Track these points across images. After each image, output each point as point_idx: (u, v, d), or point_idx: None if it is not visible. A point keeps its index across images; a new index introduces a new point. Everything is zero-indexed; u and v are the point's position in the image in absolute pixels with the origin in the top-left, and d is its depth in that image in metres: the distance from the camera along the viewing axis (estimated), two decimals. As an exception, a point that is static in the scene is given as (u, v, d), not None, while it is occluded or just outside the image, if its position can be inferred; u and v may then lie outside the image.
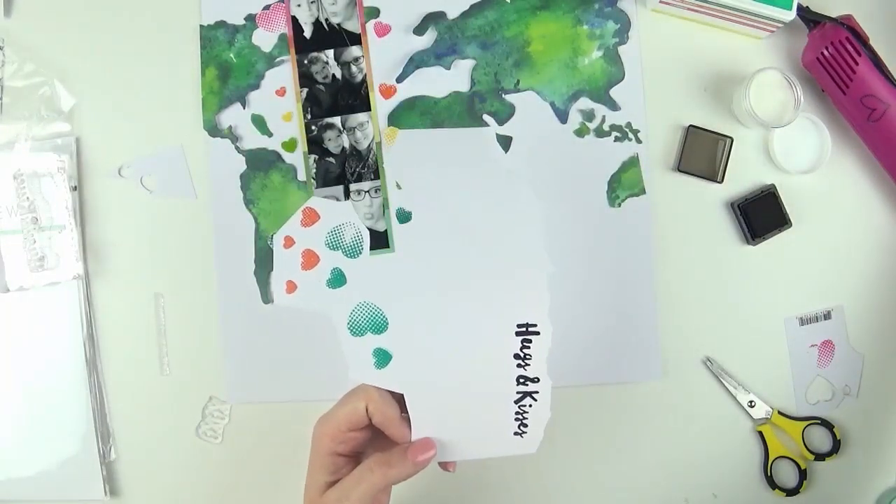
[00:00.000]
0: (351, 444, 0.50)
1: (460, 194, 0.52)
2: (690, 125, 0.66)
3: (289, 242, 0.52)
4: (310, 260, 0.52)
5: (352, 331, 0.51)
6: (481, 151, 0.54)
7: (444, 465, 0.53)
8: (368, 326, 0.51)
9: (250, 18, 0.67)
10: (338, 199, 0.66)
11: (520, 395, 0.51)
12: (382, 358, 0.51)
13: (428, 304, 0.51)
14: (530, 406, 0.52)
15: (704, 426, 0.66)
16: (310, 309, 0.52)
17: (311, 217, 0.53)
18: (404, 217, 0.53)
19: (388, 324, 0.51)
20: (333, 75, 0.67)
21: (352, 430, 0.50)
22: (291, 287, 0.52)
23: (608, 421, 0.66)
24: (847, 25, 0.62)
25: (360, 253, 0.52)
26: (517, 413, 0.52)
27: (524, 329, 0.51)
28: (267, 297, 0.65)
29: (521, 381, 0.51)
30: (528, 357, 0.51)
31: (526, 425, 0.52)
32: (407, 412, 0.51)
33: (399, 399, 0.51)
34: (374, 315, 0.51)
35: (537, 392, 0.51)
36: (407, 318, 0.51)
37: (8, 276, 0.64)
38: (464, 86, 0.67)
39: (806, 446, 0.66)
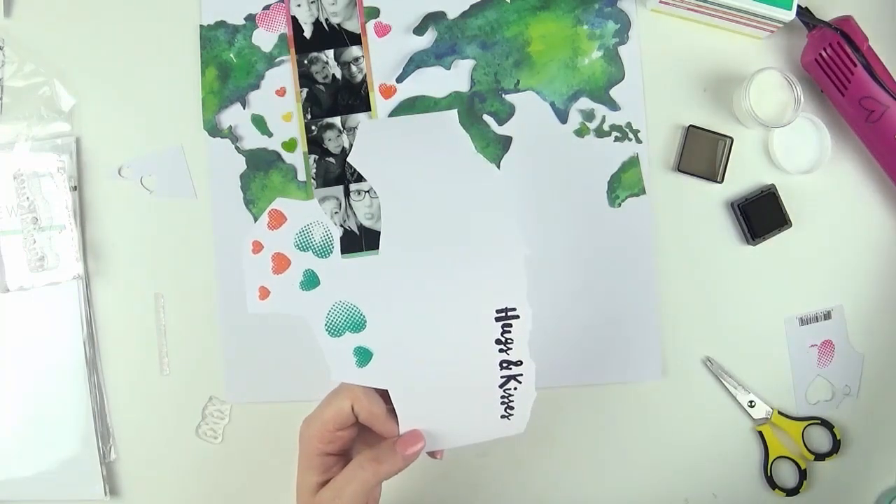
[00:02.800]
0: (339, 443, 0.50)
1: (428, 182, 0.51)
2: (690, 125, 0.66)
3: (257, 247, 0.51)
4: (280, 264, 0.51)
5: (330, 332, 0.50)
6: (446, 136, 0.52)
7: (431, 454, 0.52)
8: (346, 326, 0.50)
9: (250, 18, 0.67)
10: (338, 199, 0.66)
11: (504, 380, 0.51)
12: (363, 356, 0.50)
13: (405, 297, 0.50)
14: (515, 389, 0.51)
15: (704, 426, 0.66)
16: (285, 314, 0.50)
17: (277, 219, 0.51)
18: None
19: (365, 321, 0.50)
20: (333, 75, 0.67)
21: (338, 430, 0.49)
22: (264, 293, 0.51)
23: (608, 421, 0.66)
24: (841, 31, 0.62)
25: (331, 252, 0.51)
26: (503, 397, 0.51)
27: (503, 314, 0.50)
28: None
29: (505, 365, 0.51)
30: (509, 341, 0.50)
31: (512, 408, 0.51)
32: (392, 406, 0.50)
33: (384, 394, 0.51)
34: (351, 314, 0.50)
35: (521, 374, 0.51)
36: (384, 313, 0.50)
37: (8, 276, 0.65)
38: (464, 86, 0.67)
39: (806, 446, 0.66)
